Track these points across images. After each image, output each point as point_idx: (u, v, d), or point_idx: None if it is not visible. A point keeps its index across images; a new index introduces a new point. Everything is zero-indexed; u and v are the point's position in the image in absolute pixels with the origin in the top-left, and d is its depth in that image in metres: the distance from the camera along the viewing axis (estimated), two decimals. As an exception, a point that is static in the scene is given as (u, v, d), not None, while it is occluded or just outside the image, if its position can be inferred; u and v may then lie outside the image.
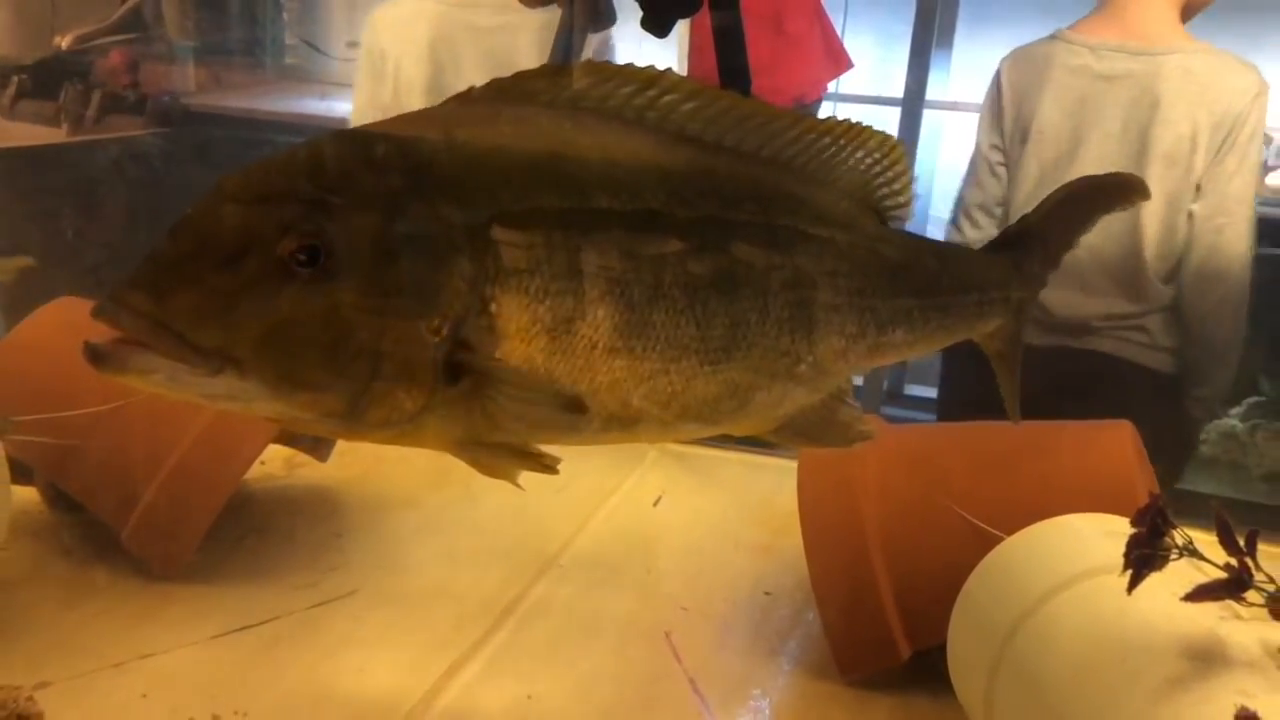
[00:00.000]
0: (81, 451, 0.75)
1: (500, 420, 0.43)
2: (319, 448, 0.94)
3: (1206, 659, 0.51)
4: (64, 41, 2.14)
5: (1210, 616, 0.52)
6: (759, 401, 0.49)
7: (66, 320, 0.84)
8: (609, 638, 0.76)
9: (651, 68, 0.47)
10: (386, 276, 0.40)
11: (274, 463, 0.96)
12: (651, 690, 0.71)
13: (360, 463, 0.98)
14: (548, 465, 0.46)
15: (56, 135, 1.99)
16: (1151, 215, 1.32)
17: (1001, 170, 1.40)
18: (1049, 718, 0.55)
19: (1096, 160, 1.33)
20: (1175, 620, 0.52)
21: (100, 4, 2.28)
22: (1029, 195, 1.36)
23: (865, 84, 2.49)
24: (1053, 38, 1.38)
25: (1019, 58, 1.40)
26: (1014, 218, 1.32)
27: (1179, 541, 0.52)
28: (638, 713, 0.69)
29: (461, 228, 0.41)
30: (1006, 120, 1.39)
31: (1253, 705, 0.47)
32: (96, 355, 0.38)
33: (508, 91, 0.45)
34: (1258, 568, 0.51)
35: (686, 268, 0.45)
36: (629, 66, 0.46)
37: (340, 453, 0.94)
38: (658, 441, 0.46)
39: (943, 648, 0.66)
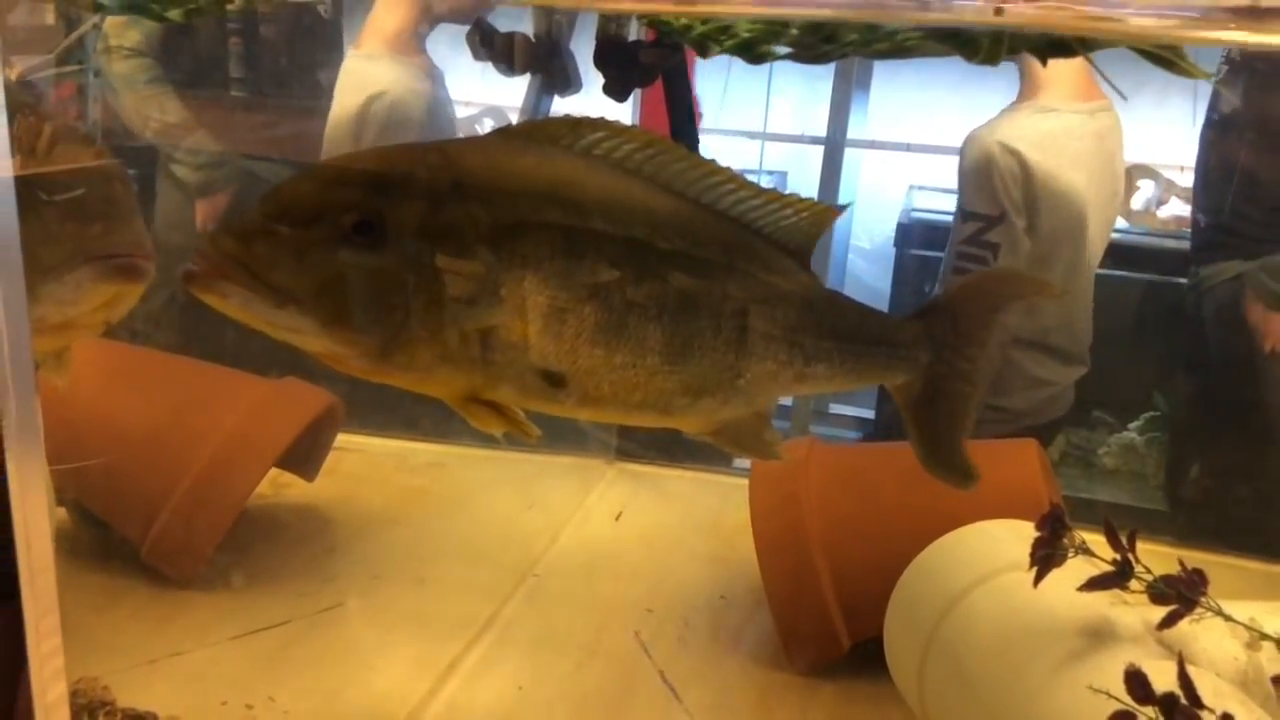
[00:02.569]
0: (105, 475, 0.82)
1: (496, 381, 0.53)
2: (307, 469, 1.02)
3: (1099, 636, 0.62)
4: (12, 74, 2.17)
5: (1102, 602, 0.64)
6: (704, 404, 0.59)
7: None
8: (585, 637, 0.85)
9: (651, 132, 0.58)
10: (423, 253, 0.51)
11: (262, 484, 1.03)
12: (626, 681, 0.80)
13: (343, 484, 1.06)
14: (526, 431, 0.56)
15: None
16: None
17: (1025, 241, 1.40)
18: (970, 692, 0.66)
19: (1099, 218, 1.43)
20: (1074, 606, 0.63)
21: (46, 35, 2.31)
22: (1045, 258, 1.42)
23: (791, 123, 2.63)
24: (1050, 110, 1.39)
25: (1034, 139, 1.38)
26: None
27: (1075, 542, 0.64)
28: (616, 700, 0.78)
29: (487, 225, 0.52)
30: (1036, 194, 1.38)
31: (1143, 667, 0.58)
32: (190, 276, 0.49)
33: (536, 133, 0.56)
34: (1138, 561, 0.63)
35: (659, 286, 0.56)
36: (636, 128, 0.57)
37: (323, 476, 1.02)
38: (620, 423, 0.57)
39: (879, 639, 0.76)
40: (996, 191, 1.35)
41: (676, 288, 0.57)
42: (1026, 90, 1.40)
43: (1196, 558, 1.04)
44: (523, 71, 0.99)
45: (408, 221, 0.51)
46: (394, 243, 0.51)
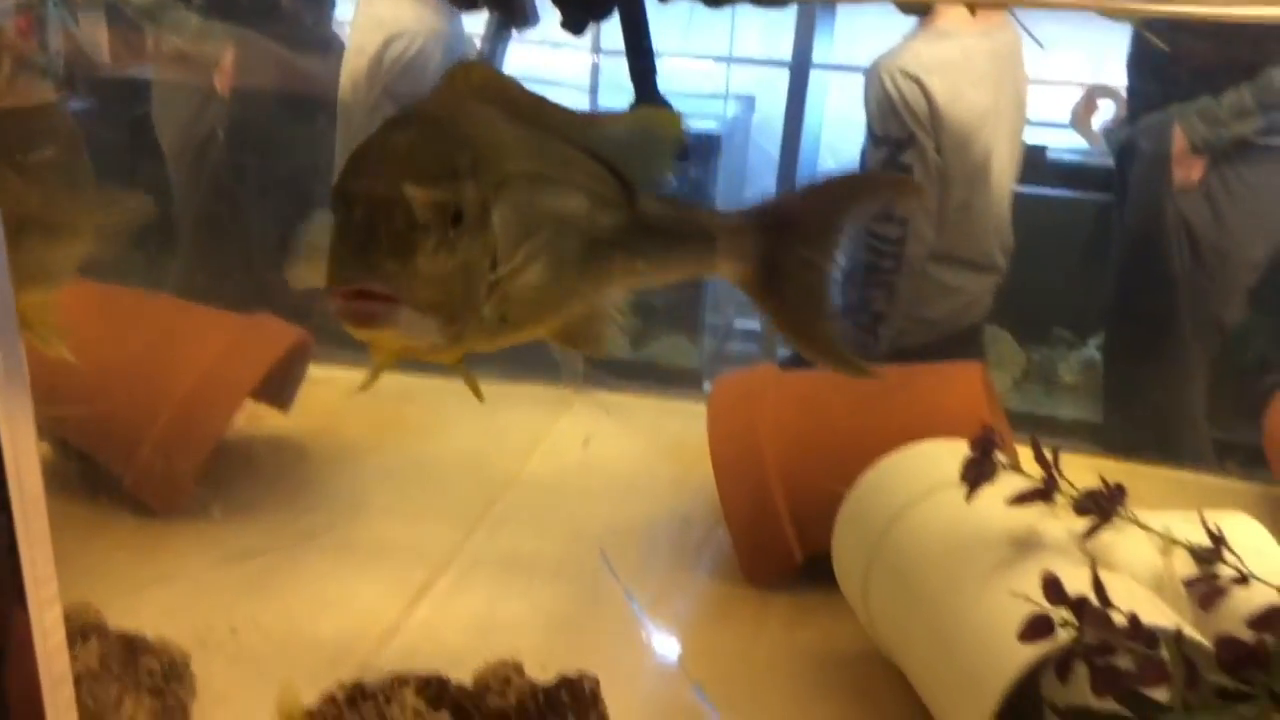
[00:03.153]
0: (87, 409, 0.85)
1: (489, 336, 0.56)
2: (281, 401, 1.05)
3: (1027, 546, 0.66)
4: (-31, 7, 2.15)
5: (1032, 515, 0.68)
6: (566, 310, 0.62)
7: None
8: (553, 559, 0.90)
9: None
10: (485, 228, 0.53)
11: (238, 417, 1.06)
12: (593, 598, 0.85)
13: (316, 416, 1.09)
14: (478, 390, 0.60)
15: (-37, 102, 2.00)
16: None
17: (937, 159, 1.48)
18: (910, 598, 0.71)
19: (1004, 134, 1.50)
20: (1005, 519, 0.68)
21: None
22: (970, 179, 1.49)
23: (757, 47, 2.63)
24: (947, 34, 1.45)
25: (933, 63, 1.43)
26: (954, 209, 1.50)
27: (1009, 461, 0.68)
28: (583, 616, 0.83)
29: (499, 186, 0.54)
30: (938, 115, 1.44)
31: (1062, 575, 0.62)
32: (355, 317, 0.50)
33: (473, 85, 0.58)
34: (1063, 478, 0.68)
35: (573, 218, 0.59)
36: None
37: (297, 407, 1.05)
38: (510, 343, 0.60)
39: (829, 552, 0.81)
40: (903, 116, 1.41)
41: (578, 216, 0.60)
42: (926, 17, 1.47)
43: (1137, 470, 1.10)
44: (480, 6, 1.01)
45: (474, 201, 0.52)
46: (470, 229, 0.52)
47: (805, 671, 0.78)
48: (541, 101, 0.61)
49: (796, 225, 0.68)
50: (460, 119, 0.55)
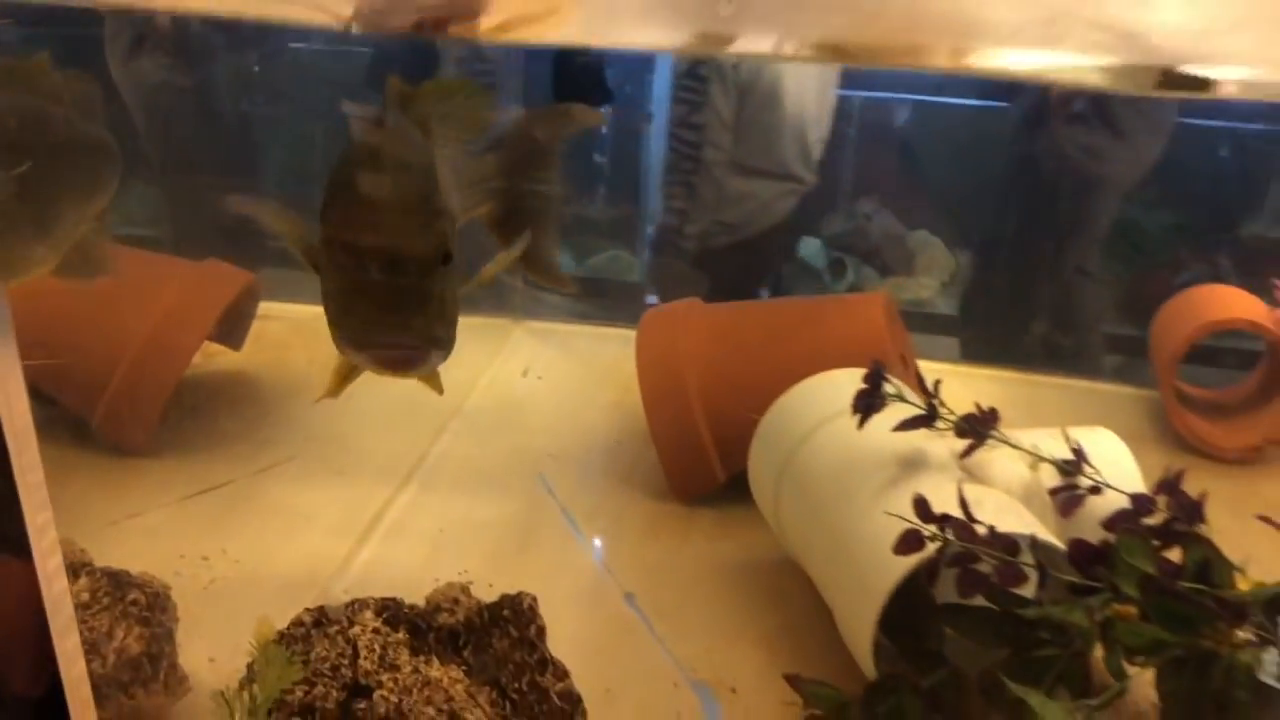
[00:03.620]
0: (52, 354, 0.91)
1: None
2: (234, 338, 1.11)
3: (913, 465, 0.75)
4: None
5: (919, 437, 0.77)
6: None
7: None
8: (497, 483, 0.97)
9: None
10: (454, 255, 0.58)
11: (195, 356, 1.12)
12: (533, 517, 0.93)
13: (269, 351, 1.15)
14: None
15: None
16: None
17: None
18: (813, 514, 0.79)
19: None
20: (894, 441, 0.76)
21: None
22: None
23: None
24: None
25: None
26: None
27: (893, 391, 0.76)
28: (524, 535, 0.91)
29: (452, 219, 0.60)
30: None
31: (941, 491, 0.71)
32: (396, 363, 0.58)
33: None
34: (943, 404, 0.76)
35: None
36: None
37: (250, 344, 1.11)
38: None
39: (747, 472, 0.89)
40: None
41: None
42: None
43: (1039, 380, 1.20)
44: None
45: (452, 235, 0.58)
46: (451, 257, 0.57)
47: (726, 578, 0.87)
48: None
49: (519, 160, 0.73)
50: (406, 148, 0.58)
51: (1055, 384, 1.23)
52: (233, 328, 1.10)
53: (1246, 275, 1.17)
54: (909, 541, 0.64)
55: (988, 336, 1.76)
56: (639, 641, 0.80)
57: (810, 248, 2.43)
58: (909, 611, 0.71)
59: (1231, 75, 0.64)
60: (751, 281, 1.70)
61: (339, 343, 0.60)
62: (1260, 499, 0.68)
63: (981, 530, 0.65)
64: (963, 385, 1.15)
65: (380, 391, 1.10)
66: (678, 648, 0.78)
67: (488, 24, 0.67)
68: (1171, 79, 0.63)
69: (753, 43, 0.76)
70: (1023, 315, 1.71)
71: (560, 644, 0.67)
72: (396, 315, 0.56)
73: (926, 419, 0.74)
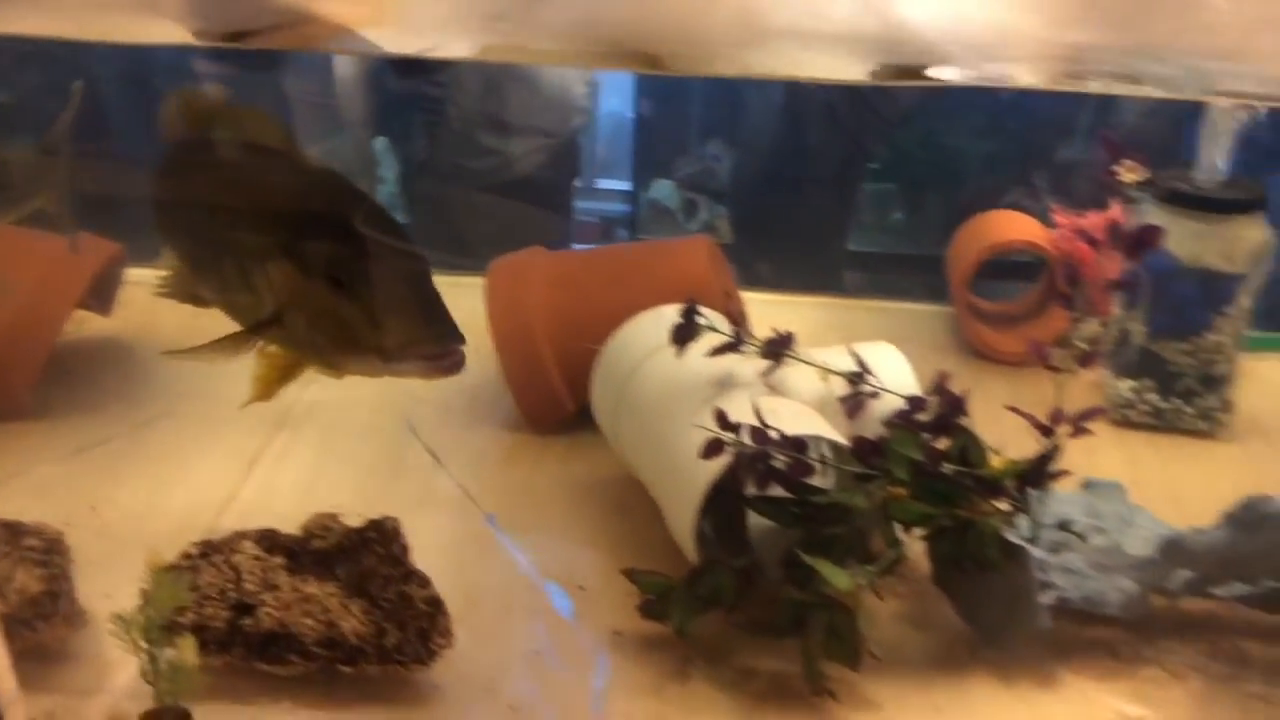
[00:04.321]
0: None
1: None
2: (102, 306, 1.17)
3: (724, 384, 0.86)
4: None
5: (730, 361, 0.88)
6: None
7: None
8: (365, 425, 1.06)
9: None
10: None
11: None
12: (400, 455, 1.02)
13: (138, 315, 1.20)
14: None
15: None
16: None
17: None
18: (645, 435, 0.90)
19: None
20: (709, 365, 0.87)
21: None
22: None
23: None
24: None
25: None
26: None
27: (705, 322, 0.88)
28: (392, 470, 1.00)
29: None
30: None
31: (747, 405, 0.82)
32: (456, 367, 0.66)
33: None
34: (749, 332, 0.88)
35: None
36: None
37: (119, 309, 1.17)
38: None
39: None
40: None
41: None
42: None
43: (834, 302, 1.33)
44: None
45: None
46: None
47: (577, 495, 0.98)
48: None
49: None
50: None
51: (870, 306, 1.36)
52: (101, 295, 1.15)
53: (1061, 196, 1.31)
54: (712, 448, 0.75)
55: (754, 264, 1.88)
56: (498, 555, 0.90)
57: (663, 190, 2.54)
58: (725, 506, 0.83)
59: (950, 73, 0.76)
60: (513, 230, 1.71)
61: (388, 357, 0.66)
62: (1034, 395, 0.81)
63: (774, 434, 0.77)
64: (791, 313, 1.28)
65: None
66: (532, 556, 0.89)
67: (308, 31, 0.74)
68: (906, 73, 0.75)
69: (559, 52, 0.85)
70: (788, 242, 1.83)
71: (427, 562, 0.77)
72: (447, 322, 0.64)
73: (733, 345, 0.85)
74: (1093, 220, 1.10)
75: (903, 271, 2.08)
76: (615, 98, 3.29)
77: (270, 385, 0.74)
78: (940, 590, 0.82)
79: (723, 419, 0.76)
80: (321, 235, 0.66)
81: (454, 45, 0.83)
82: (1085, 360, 0.83)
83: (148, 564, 0.66)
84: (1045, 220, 1.19)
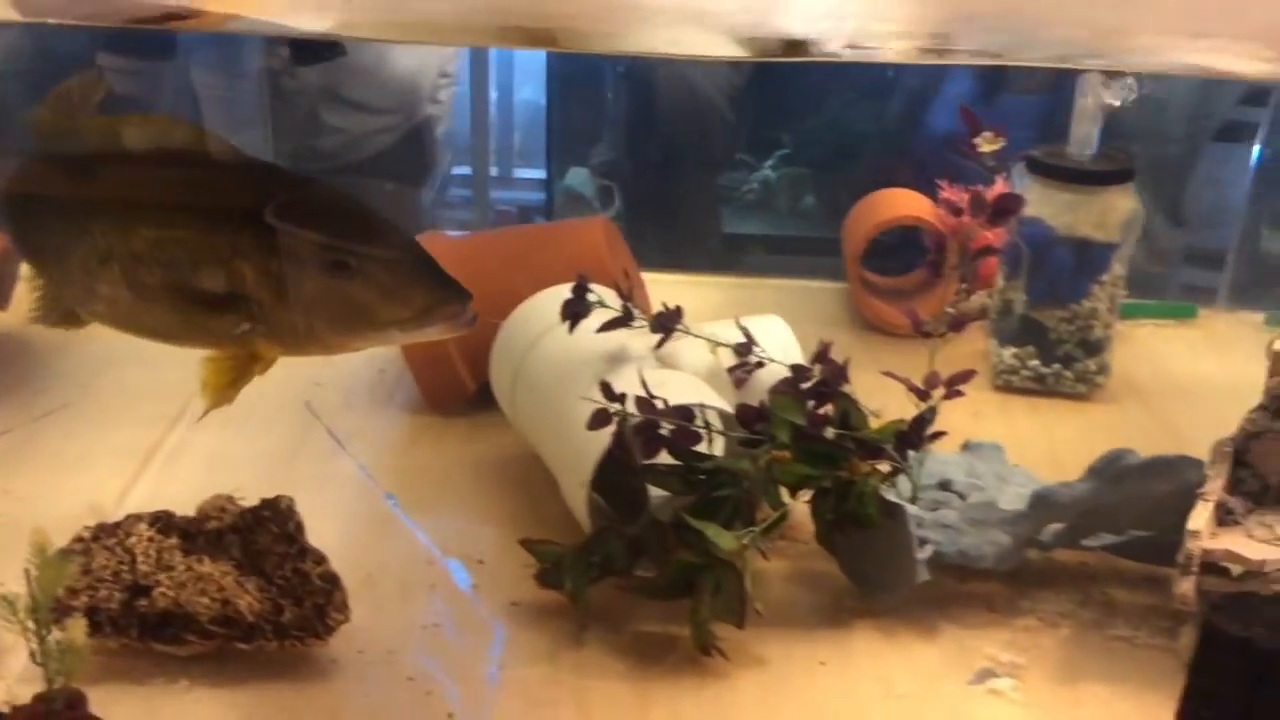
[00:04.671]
0: None
1: None
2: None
3: (618, 359, 0.89)
4: None
5: (623, 336, 0.90)
6: None
7: None
8: (267, 412, 1.06)
9: None
10: None
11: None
12: (302, 440, 1.03)
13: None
14: None
15: None
16: None
17: None
18: (540, 408, 0.92)
19: None
20: (601, 341, 0.90)
21: None
22: None
23: None
24: None
25: None
26: None
27: (596, 299, 0.90)
28: (293, 454, 1.01)
29: None
30: None
31: (640, 376, 0.84)
32: (473, 320, 0.67)
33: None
34: (636, 308, 0.90)
35: None
36: None
37: (16, 304, 1.15)
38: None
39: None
40: None
41: None
42: None
43: (735, 281, 1.36)
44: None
45: None
46: None
47: (478, 473, 0.99)
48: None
49: None
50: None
51: (773, 285, 1.40)
52: (-3, 290, 1.14)
53: (951, 173, 1.35)
54: (598, 419, 0.78)
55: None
56: (399, 534, 0.91)
57: (578, 177, 2.55)
58: (620, 476, 0.85)
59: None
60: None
61: (408, 326, 0.66)
62: (924, 364, 0.84)
63: (660, 404, 0.79)
64: (694, 292, 1.30)
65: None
66: (432, 534, 0.91)
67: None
68: (792, 48, 0.78)
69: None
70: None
71: (328, 542, 0.78)
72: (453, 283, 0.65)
73: (623, 320, 0.88)
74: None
75: (811, 252, 2.12)
76: (529, 86, 3.30)
77: (226, 389, 0.72)
78: (825, 549, 0.85)
79: (608, 391, 0.78)
80: (300, 222, 0.65)
81: (336, 23, 0.83)
82: (955, 325, 0.87)
83: (32, 545, 0.66)
84: (935, 197, 1.23)
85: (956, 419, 0.98)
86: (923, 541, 0.82)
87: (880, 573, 0.83)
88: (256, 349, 0.69)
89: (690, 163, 1.87)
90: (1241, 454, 0.80)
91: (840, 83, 2.44)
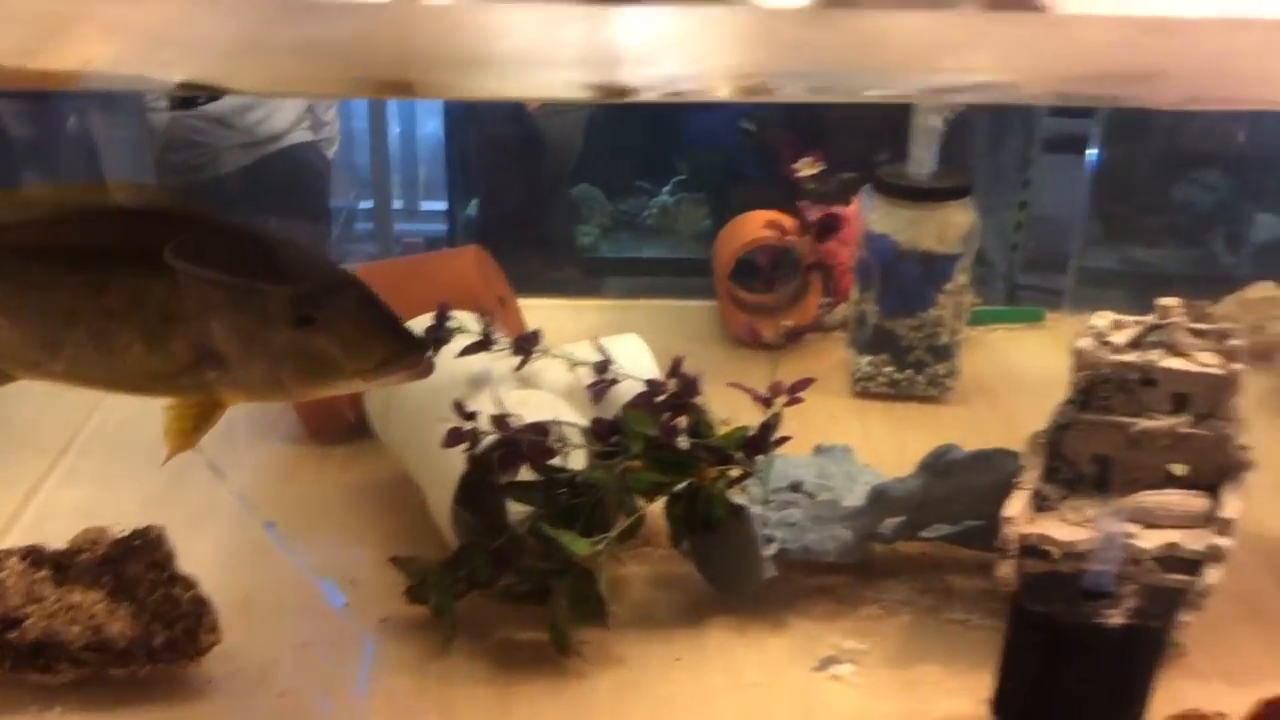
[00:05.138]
0: None
1: None
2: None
3: (479, 381, 0.93)
4: None
5: (485, 359, 0.95)
6: None
7: None
8: (147, 447, 1.08)
9: None
10: None
11: None
12: (182, 474, 1.05)
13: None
14: None
15: None
16: None
17: None
18: (411, 429, 0.96)
19: None
20: (466, 365, 0.94)
21: None
22: None
23: None
24: None
25: None
26: None
27: (457, 326, 0.94)
28: (173, 488, 1.03)
29: None
30: None
31: (498, 396, 0.89)
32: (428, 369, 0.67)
33: None
34: (501, 331, 0.95)
35: None
36: None
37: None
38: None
39: (367, 408, 1.05)
40: None
41: None
42: None
43: (613, 304, 1.41)
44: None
45: None
46: None
47: (355, 499, 1.03)
48: None
49: None
50: None
51: (651, 306, 1.45)
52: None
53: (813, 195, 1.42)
54: (453, 438, 0.82)
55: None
56: (276, 559, 0.95)
57: (478, 208, 2.61)
58: (484, 492, 0.90)
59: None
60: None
61: (370, 376, 0.66)
62: (789, 374, 0.89)
63: (516, 422, 0.84)
64: (570, 316, 1.36)
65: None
66: (310, 558, 0.94)
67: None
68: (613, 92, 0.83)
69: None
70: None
71: (208, 569, 0.81)
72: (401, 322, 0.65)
73: (483, 344, 0.92)
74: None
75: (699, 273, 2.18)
76: (432, 121, 3.34)
77: (189, 435, 0.72)
78: (681, 552, 0.90)
79: (462, 411, 0.83)
80: (263, 277, 0.65)
81: (187, 75, 0.87)
82: (792, 337, 0.93)
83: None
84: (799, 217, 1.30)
85: (816, 424, 1.04)
86: (769, 540, 0.88)
87: (731, 571, 0.88)
88: (220, 398, 0.71)
89: (548, 192, 1.94)
90: (1055, 445, 0.87)
91: (729, 114, 2.52)
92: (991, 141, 1.51)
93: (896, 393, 1.21)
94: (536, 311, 1.22)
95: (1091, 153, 1.52)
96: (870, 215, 1.16)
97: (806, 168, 1.03)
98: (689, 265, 2.58)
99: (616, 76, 0.86)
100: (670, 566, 0.92)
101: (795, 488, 0.95)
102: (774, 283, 1.22)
